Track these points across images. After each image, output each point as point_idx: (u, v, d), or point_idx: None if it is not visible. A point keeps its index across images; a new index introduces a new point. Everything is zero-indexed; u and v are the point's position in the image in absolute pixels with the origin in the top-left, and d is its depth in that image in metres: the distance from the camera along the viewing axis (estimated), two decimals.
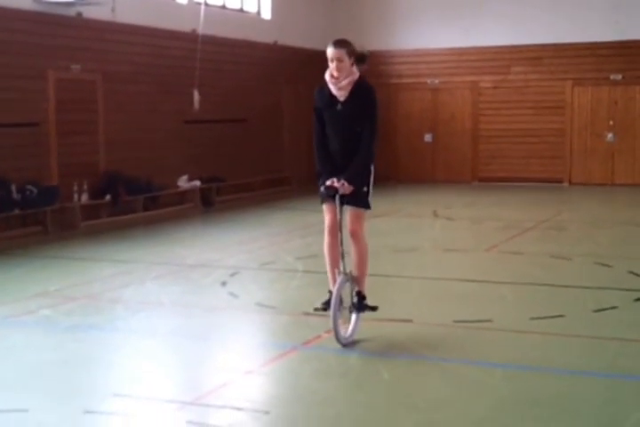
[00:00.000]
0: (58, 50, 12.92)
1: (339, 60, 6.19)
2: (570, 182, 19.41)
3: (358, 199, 6.32)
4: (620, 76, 18.83)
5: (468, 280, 8.89)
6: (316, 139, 6.42)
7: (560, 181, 19.43)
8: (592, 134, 19.22)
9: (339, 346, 6.30)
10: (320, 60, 21.32)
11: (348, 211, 6.35)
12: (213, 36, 16.08)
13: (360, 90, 6.28)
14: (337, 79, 6.25)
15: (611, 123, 19.04)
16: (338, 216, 6.32)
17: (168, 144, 15.33)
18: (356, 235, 6.34)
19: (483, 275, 9.17)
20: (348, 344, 6.29)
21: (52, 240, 11.92)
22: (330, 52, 6.23)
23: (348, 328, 6.41)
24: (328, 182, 6.25)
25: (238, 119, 17.40)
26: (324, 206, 6.44)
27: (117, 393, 5.36)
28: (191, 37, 15.57)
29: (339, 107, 6.29)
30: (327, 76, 6.32)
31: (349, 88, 6.26)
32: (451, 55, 19.97)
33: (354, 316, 6.47)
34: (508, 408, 5.05)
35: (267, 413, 5.00)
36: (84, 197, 13.22)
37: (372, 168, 6.41)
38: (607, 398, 5.21)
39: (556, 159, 19.49)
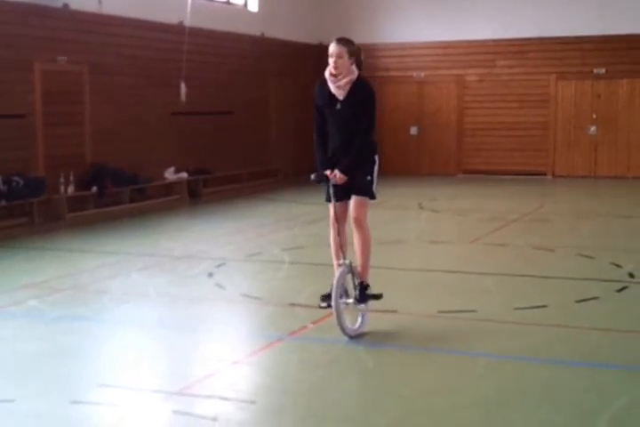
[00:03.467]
0: (44, 41, 12.88)
1: (338, 57, 6.25)
2: (553, 175, 19.54)
3: (362, 188, 6.38)
4: (603, 70, 18.95)
5: (452, 271, 8.96)
6: (315, 135, 6.49)
7: (544, 174, 19.56)
8: (575, 127, 19.36)
9: (324, 336, 6.37)
10: (307, 53, 21.31)
11: (352, 199, 6.40)
12: (200, 28, 16.07)
13: (358, 88, 6.33)
14: (336, 77, 6.30)
15: (594, 116, 19.17)
16: (333, 204, 6.37)
17: (155, 136, 15.33)
18: (359, 222, 6.38)
19: (467, 266, 9.25)
20: (356, 336, 6.32)
21: (38, 232, 11.91)
22: (331, 47, 6.31)
23: (357, 320, 6.45)
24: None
25: (225, 111, 17.40)
26: (329, 204, 6.50)
27: (104, 384, 5.39)
28: (178, 29, 15.55)
29: (338, 106, 6.34)
30: (327, 74, 6.37)
31: (348, 87, 6.31)
32: (436, 49, 20.03)
33: (362, 307, 6.51)
34: (492, 397, 5.12)
35: (253, 403, 5.05)
36: (71, 189, 13.19)
37: (377, 159, 6.49)
38: (589, 387, 5.29)
39: (540, 152, 19.61)
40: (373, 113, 6.38)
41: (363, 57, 6.47)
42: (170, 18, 15.48)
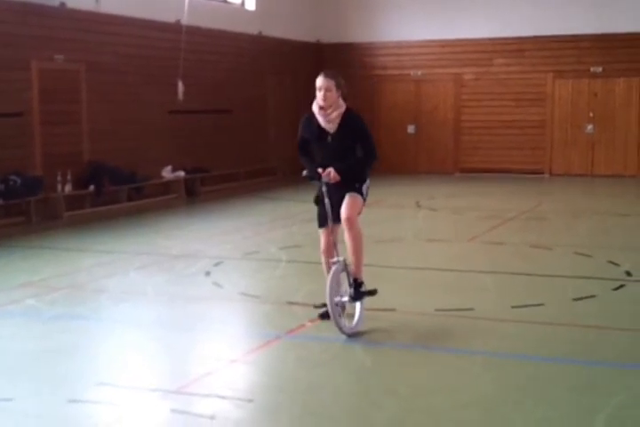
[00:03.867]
0: (41, 40, 12.89)
1: (327, 90, 6.38)
2: (550, 173, 19.56)
3: (354, 189, 6.50)
4: (600, 69, 18.97)
5: (450, 270, 8.98)
6: (300, 153, 6.66)
7: (541, 172, 19.58)
8: (572, 126, 19.38)
9: (322, 334, 6.39)
10: (304, 51, 21.31)
11: (345, 199, 6.48)
12: (198, 26, 16.07)
13: (349, 120, 6.47)
14: (325, 111, 6.41)
15: (590, 115, 19.19)
16: (327, 229, 6.49)
17: (152, 135, 15.33)
18: (350, 222, 6.42)
19: (464, 264, 9.26)
20: (354, 334, 6.35)
21: (35, 230, 11.92)
22: (319, 81, 6.42)
23: (353, 318, 6.49)
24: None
25: (223, 110, 17.41)
26: (319, 230, 6.65)
27: (101, 382, 5.40)
28: (175, 28, 15.55)
29: (329, 139, 6.49)
30: (315, 108, 6.49)
31: (338, 120, 6.45)
32: (434, 47, 20.05)
33: (357, 305, 6.54)
34: (490, 395, 5.14)
35: (250, 401, 5.06)
36: (68, 188, 13.21)
37: (369, 181, 6.64)
38: (586, 385, 5.30)
39: (537, 150, 19.63)
40: (372, 140, 6.52)
41: (346, 90, 6.58)
42: (167, 16, 15.49)
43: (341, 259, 6.44)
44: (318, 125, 6.50)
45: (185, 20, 15.59)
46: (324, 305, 6.62)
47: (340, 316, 6.30)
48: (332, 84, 6.39)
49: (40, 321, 6.99)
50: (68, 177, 13.20)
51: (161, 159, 15.47)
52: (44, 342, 6.38)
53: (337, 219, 6.50)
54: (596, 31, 18.66)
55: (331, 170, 6.36)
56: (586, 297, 7.55)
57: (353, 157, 6.50)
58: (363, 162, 6.53)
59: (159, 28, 15.30)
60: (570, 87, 19.32)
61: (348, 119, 6.47)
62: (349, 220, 6.42)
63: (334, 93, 6.39)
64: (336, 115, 6.43)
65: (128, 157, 14.44)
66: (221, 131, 17.34)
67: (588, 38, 18.81)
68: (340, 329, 6.28)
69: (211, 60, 16.95)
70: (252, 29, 18.32)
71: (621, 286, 8.05)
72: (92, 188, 13.55)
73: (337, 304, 6.31)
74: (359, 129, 6.50)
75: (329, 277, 6.31)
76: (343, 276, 6.52)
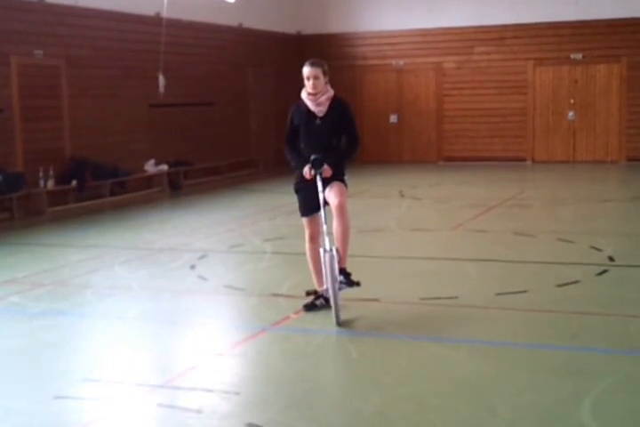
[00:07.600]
0: (20, 35, 12.80)
1: (315, 78, 6.58)
2: (533, 160, 19.62)
3: (336, 179, 6.61)
4: (580, 56, 19.02)
5: (434, 258, 9.01)
6: (287, 146, 6.79)
7: (523, 160, 19.64)
8: (554, 113, 19.44)
9: (307, 326, 6.41)
10: (285, 43, 21.14)
11: (331, 187, 6.56)
12: (178, 19, 16.01)
13: (338, 105, 6.69)
14: (314, 95, 6.60)
15: (571, 101, 19.26)
16: (320, 195, 6.50)
17: (134, 129, 15.28)
18: (341, 208, 6.50)
19: (448, 253, 9.30)
20: (342, 324, 6.38)
21: (18, 226, 11.88)
22: (307, 70, 6.62)
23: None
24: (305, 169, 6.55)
25: (204, 103, 17.36)
26: (305, 219, 6.72)
27: (87, 378, 5.40)
28: (155, 21, 15.49)
29: (317, 122, 6.66)
30: (304, 94, 6.69)
31: (327, 103, 6.65)
32: (414, 37, 20.04)
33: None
34: (474, 383, 5.16)
35: (237, 394, 5.06)
36: (51, 183, 13.16)
37: (346, 178, 6.76)
38: (571, 371, 5.33)
39: (519, 138, 19.68)
40: (356, 128, 6.74)
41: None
42: (147, 9, 15.41)
43: (334, 247, 6.45)
44: (307, 110, 6.66)
45: (165, 13, 15.52)
46: (315, 292, 6.70)
47: (340, 306, 6.34)
48: (319, 71, 6.59)
49: (25, 318, 6.97)
50: (51, 173, 13.14)
51: (143, 153, 15.43)
52: (29, 338, 6.36)
53: (321, 207, 6.57)
54: (576, 18, 18.70)
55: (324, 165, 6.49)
56: (569, 283, 7.60)
57: (337, 146, 6.64)
58: (349, 152, 6.70)
59: (139, 21, 15.23)
60: (551, 74, 19.37)
61: (337, 104, 6.67)
62: (341, 206, 6.50)
63: (322, 80, 6.59)
64: (325, 98, 6.61)
65: (110, 152, 14.39)
66: (203, 124, 17.30)
67: (568, 25, 18.86)
68: (337, 315, 6.32)
69: (191, 52, 16.90)
70: (233, 21, 18.25)
71: (604, 271, 8.09)
72: (74, 183, 13.49)
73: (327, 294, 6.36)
74: (347, 114, 6.69)
75: (327, 266, 6.32)
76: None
